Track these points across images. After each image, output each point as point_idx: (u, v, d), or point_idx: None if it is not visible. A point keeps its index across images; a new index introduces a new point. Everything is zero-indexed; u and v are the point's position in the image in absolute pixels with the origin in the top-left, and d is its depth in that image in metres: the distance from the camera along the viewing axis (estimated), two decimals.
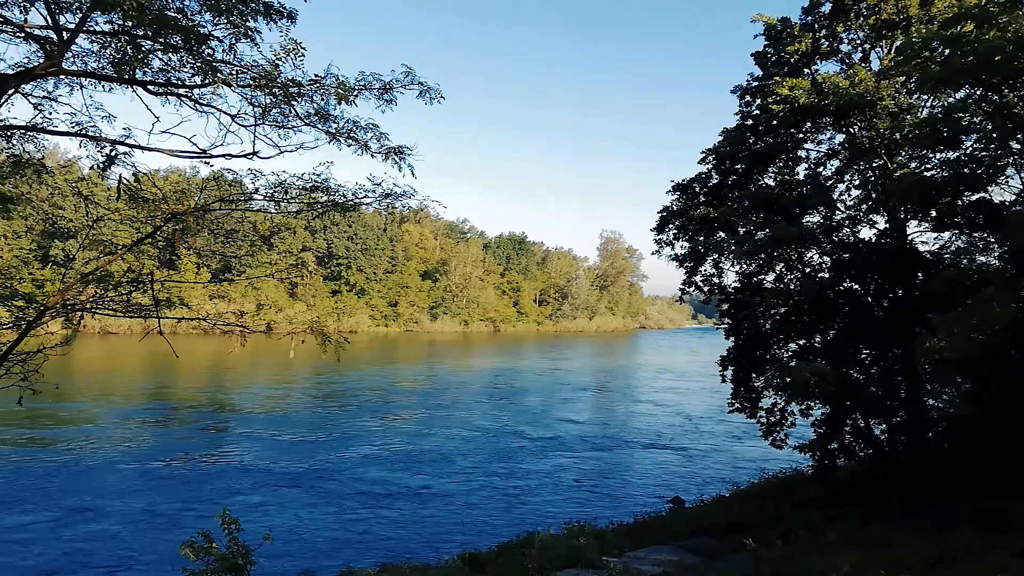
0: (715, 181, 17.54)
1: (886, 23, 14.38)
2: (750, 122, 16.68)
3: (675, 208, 18.17)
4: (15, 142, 5.79)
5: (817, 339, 15.09)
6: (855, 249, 14.34)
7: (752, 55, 16.95)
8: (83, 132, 5.62)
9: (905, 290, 13.81)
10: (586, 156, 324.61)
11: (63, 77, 5.62)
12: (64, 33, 5.33)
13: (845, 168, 15.96)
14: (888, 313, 13.86)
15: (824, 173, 16.43)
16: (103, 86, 5.80)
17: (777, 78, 15.29)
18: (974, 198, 11.83)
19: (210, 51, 5.61)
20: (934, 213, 12.62)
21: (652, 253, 24.36)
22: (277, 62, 5.76)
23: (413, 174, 6.29)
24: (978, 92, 11.17)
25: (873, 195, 13.46)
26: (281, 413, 30.92)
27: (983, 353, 9.67)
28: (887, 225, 14.36)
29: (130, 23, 5.22)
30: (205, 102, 5.95)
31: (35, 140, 5.90)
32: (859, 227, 14.88)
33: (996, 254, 12.01)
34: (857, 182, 15.37)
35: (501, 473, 21.63)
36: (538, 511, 17.71)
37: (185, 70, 5.75)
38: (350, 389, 39.67)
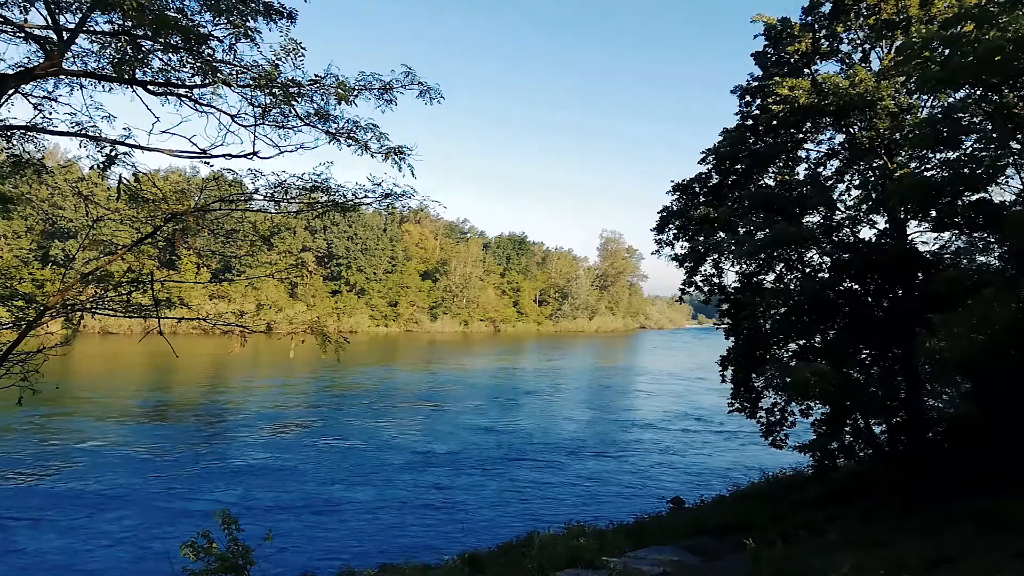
0: (715, 181, 17.54)
1: (886, 23, 14.37)
2: (750, 122, 16.68)
3: (675, 208, 18.16)
4: (15, 142, 5.79)
5: (817, 339, 15.10)
6: (855, 249, 14.34)
7: (752, 55, 16.94)
8: (83, 132, 5.61)
9: (905, 290, 13.81)
10: (586, 156, 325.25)
11: (63, 77, 5.61)
12: (64, 33, 5.33)
13: (845, 168, 15.95)
14: (888, 313, 13.86)
15: (824, 173, 16.43)
16: (103, 86, 5.80)
17: (777, 78, 15.29)
18: (974, 198, 11.82)
19: (210, 51, 5.61)
20: (934, 213, 12.60)
21: (652, 253, 24.43)
22: (277, 62, 5.76)
23: (413, 174, 6.28)
24: (978, 92, 11.15)
25: (873, 195, 13.45)
26: (281, 413, 30.92)
27: (983, 353, 9.66)
28: (887, 225, 14.36)
29: (130, 23, 5.21)
30: (205, 102, 5.95)
31: (35, 140, 5.90)
32: (859, 227, 14.88)
33: (996, 254, 12.01)
34: (857, 182, 15.36)
35: (501, 473, 21.63)
36: (538, 511, 17.71)
37: (185, 70, 5.74)
38: (350, 389, 39.67)
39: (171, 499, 17.67)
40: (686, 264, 17.85)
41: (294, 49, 5.81)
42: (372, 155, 6.20)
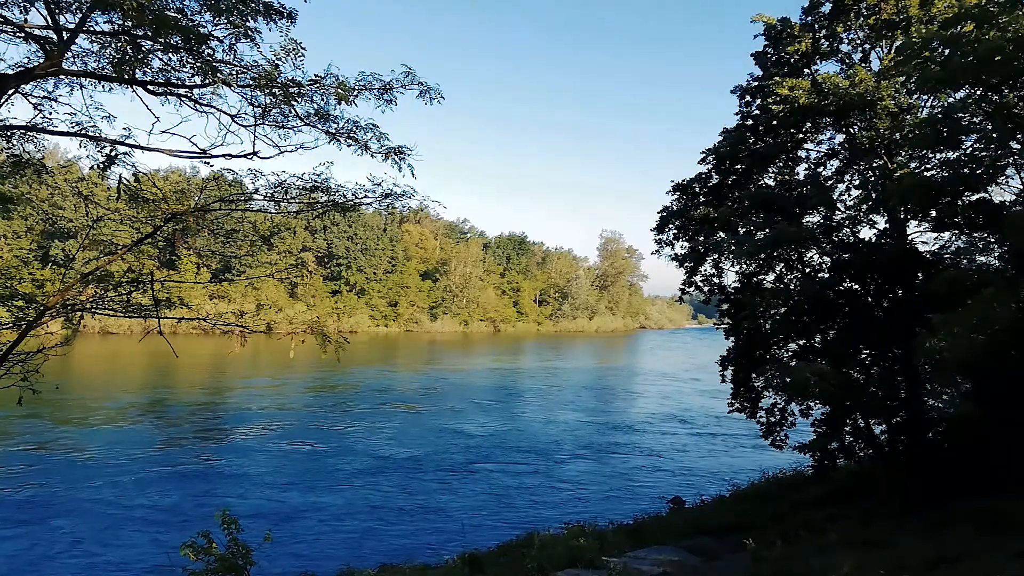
0: (715, 181, 17.53)
1: (886, 23, 14.37)
2: (750, 122, 16.67)
3: (675, 208, 18.16)
4: (15, 142, 5.79)
5: (817, 339, 15.09)
6: (855, 249, 14.33)
7: (752, 55, 16.93)
8: (83, 132, 5.62)
9: (905, 290, 13.80)
10: (586, 156, 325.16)
11: (63, 77, 5.61)
12: (64, 33, 5.33)
13: (845, 168, 15.95)
14: (888, 313, 13.85)
15: (824, 173, 16.42)
16: (103, 86, 5.80)
17: (777, 78, 15.28)
18: (974, 198, 11.81)
19: (210, 51, 5.61)
20: (934, 213, 12.60)
21: (652, 253, 24.43)
22: (277, 62, 5.76)
23: (413, 174, 6.28)
24: (978, 92, 11.14)
25: (873, 195, 13.44)
26: (281, 413, 30.92)
27: (983, 353, 9.66)
28: (887, 225, 14.35)
29: (130, 23, 5.22)
30: (205, 102, 5.95)
31: (35, 140, 5.90)
32: (859, 227, 14.87)
33: (996, 254, 11.99)
34: (857, 182, 15.36)
35: (501, 473, 21.63)
36: (538, 511, 17.71)
37: (185, 70, 5.74)
38: (350, 389, 39.67)
39: (170, 499, 17.66)
40: (686, 264, 17.84)
41: (294, 49, 5.81)
42: (372, 155, 6.20)
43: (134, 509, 16.76)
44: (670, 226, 18.11)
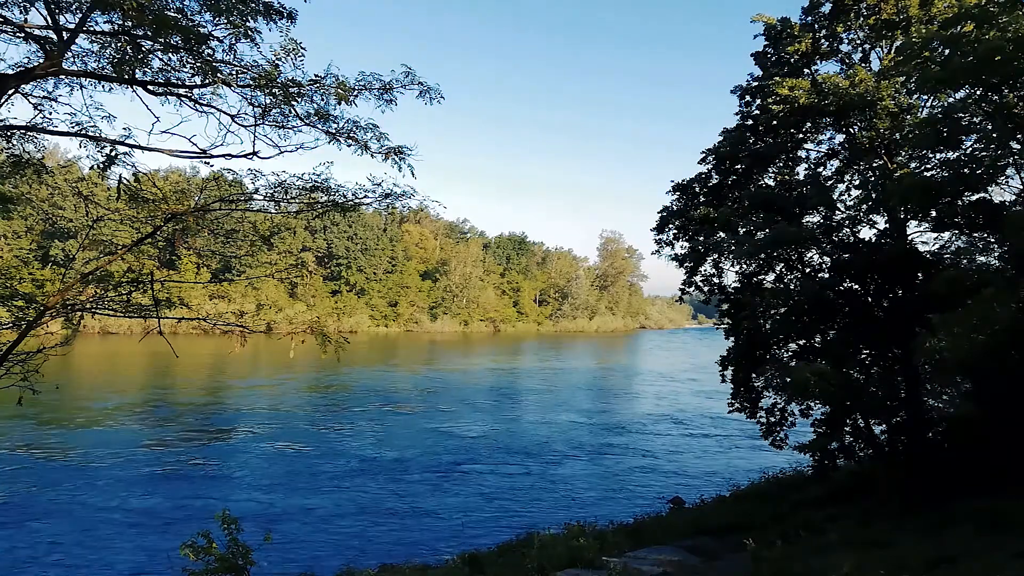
0: (715, 181, 17.54)
1: (886, 23, 14.37)
2: (750, 122, 16.68)
3: (675, 208, 18.16)
4: (15, 142, 5.79)
5: (817, 339, 15.09)
6: (855, 249, 14.33)
7: (752, 55, 16.94)
8: (83, 132, 5.62)
9: (905, 290, 13.80)
10: (586, 156, 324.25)
11: (63, 77, 5.61)
12: (64, 33, 5.33)
13: (845, 168, 15.95)
14: (888, 313, 13.85)
15: (824, 173, 16.43)
16: (103, 86, 5.80)
17: (777, 78, 15.29)
18: (974, 198, 11.82)
19: (210, 51, 5.61)
20: (934, 213, 12.60)
21: (652, 253, 24.42)
22: (277, 62, 5.76)
23: (413, 174, 6.28)
24: (978, 92, 11.14)
25: (873, 195, 13.45)
26: (281, 413, 30.92)
27: (983, 353, 9.66)
28: (887, 225, 14.35)
29: (130, 23, 5.22)
30: (205, 102, 5.95)
31: (35, 140, 5.90)
32: (859, 227, 14.87)
33: (996, 254, 11.99)
34: (857, 182, 15.36)
35: (500, 474, 21.62)
36: (538, 511, 17.72)
37: (185, 70, 5.74)
38: (350, 389, 39.66)
39: (170, 499, 17.65)
40: (686, 264, 17.84)
41: (294, 49, 5.81)
42: (372, 155, 6.20)
43: (131, 511, 16.76)
44: (670, 226, 18.12)
